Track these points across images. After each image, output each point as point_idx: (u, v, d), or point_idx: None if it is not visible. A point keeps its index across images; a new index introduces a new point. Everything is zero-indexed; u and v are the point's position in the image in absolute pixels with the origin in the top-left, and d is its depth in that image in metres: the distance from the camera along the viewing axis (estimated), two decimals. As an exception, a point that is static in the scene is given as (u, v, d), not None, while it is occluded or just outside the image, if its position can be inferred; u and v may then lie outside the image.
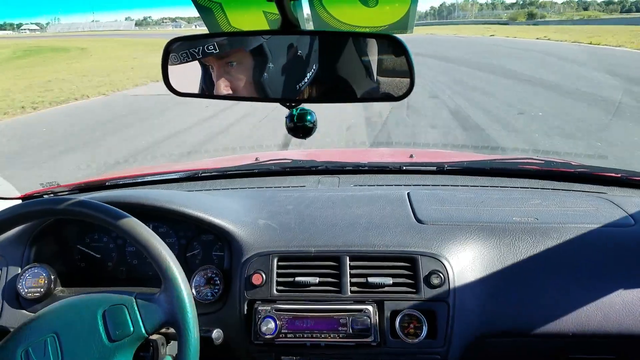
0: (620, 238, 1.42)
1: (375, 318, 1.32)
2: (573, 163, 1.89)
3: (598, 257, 1.38)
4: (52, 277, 1.43)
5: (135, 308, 1.07)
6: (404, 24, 1.11)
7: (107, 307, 1.07)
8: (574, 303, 1.32)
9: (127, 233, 1.11)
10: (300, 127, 1.05)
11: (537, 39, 31.52)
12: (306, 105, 1.05)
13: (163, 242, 1.11)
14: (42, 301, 1.41)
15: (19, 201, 1.75)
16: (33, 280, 1.43)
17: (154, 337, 1.13)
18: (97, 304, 1.08)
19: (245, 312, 1.36)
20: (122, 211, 1.14)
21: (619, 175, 1.75)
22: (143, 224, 1.12)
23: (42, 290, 1.42)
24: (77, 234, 1.59)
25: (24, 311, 1.41)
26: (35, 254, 1.49)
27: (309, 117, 1.05)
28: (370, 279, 1.35)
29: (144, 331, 1.06)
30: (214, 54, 1.02)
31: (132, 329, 1.05)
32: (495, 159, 1.86)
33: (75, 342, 1.03)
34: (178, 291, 1.07)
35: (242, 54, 1.04)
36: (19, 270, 1.45)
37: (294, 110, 1.05)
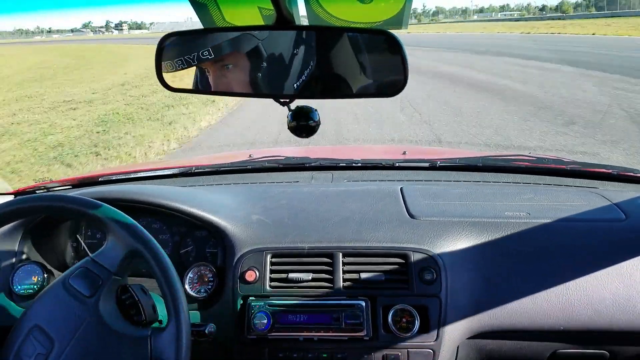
0: (611, 233, 1.43)
1: (367, 313, 1.33)
2: (565, 159, 1.91)
3: (589, 252, 1.39)
4: (45, 273, 1.43)
5: (94, 262, 1.10)
6: (398, 20, 1.11)
7: (70, 276, 1.09)
8: (565, 298, 1.33)
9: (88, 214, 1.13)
10: (304, 126, 1.05)
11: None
12: (302, 102, 1.05)
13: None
14: (34, 298, 1.41)
15: (12, 197, 1.75)
16: (26, 277, 1.42)
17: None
18: (60, 281, 1.09)
19: (239, 308, 1.37)
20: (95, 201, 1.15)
21: (610, 170, 1.76)
22: (155, 240, 1.13)
23: (35, 287, 1.41)
24: (70, 230, 1.58)
25: (18, 308, 1.41)
26: (28, 251, 1.48)
27: (312, 115, 1.05)
28: (363, 275, 1.36)
29: (111, 272, 1.08)
30: (209, 59, 1.02)
31: (100, 278, 1.07)
32: (487, 155, 1.87)
33: (57, 320, 1.04)
34: (123, 226, 1.10)
35: (238, 56, 1.03)
36: (12, 267, 1.44)
37: (296, 107, 1.05)
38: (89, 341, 1.02)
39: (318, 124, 1.06)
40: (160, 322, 1.16)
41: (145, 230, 1.11)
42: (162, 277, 1.06)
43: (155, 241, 1.10)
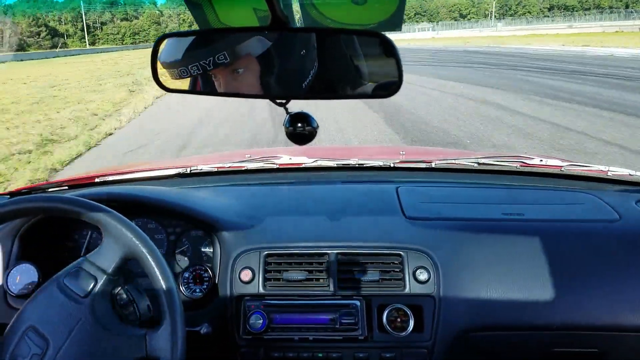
0: (605, 233, 1.44)
1: (362, 312, 1.33)
2: (560, 161, 1.91)
3: (584, 252, 1.40)
4: (40, 274, 1.43)
5: (89, 262, 1.09)
6: (393, 22, 1.12)
7: (64, 277, 1.08)
8: (558, 297, 1.34)
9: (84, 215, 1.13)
10: (300, 134, 1.04)
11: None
12: (297, 103, 1.04)
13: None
14: (29, 298, 1.40)
15: (7, 197, 1.74)
16: (21, 278, 1.42)
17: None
18: (55, 281, 1.09)
19: (234, 308, 1.37)
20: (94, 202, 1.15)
21: (605, 171, 1.77)
22: (150, 241, 1.12)
23: (30, 287, 1.41)
24: (65, 231, 1.58)
25: (13, 309, 1.41)
26: (23, 251, 1.48)
27: (310, 121, 1.04)
28: (358, 275, 1.36)
29: (106, 273, 1.08)
30: (225, 64, 1.00)
31: (94, 278, 1.07)
32: (483, 157, 1.88)
33: (52, 320, 1.03)
34: (121, 227, 1.09)
35: (249, 60, 1.02)
36: (7, 268, 1.44)
37: (294, 113, 1.04)
38: (84, 341, 1.02)
39: (316, 130, 1.05)
40: (156, 322, 1.16)
41: (141, 231, 1.11)
42: (157, 277, 1.06)
43: (151, 242, 1.09)
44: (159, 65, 1.07)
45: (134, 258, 1.09)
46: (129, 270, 1.17)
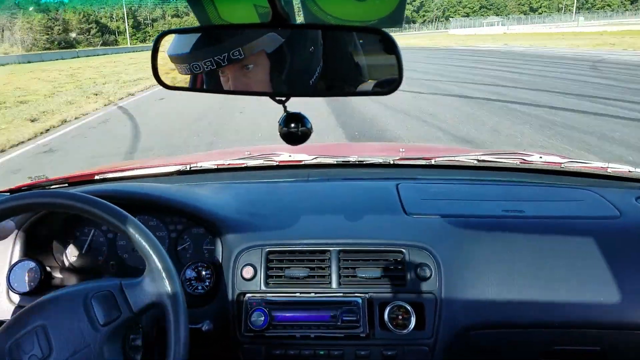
0: (606, 230, 1.44)
1: (364, 310, 1.33)
2: (559, 157, 1.91)
3: (584, 249, 1.40)
4: (42, 271, 1.43)
5: (121, 292, 1.07)
6: (394, 19, 1.12)
7: (93, 294, 1.06)
8: (559, 294, 1.34)
9: (113, 224, 1.10)
10: (294, 135, 1.03)
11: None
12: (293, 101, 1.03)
13: (146, 229, 1.10)
14: (32, 295, 1.41)
15: (7, 194, 1.74)
16: (23, 275, 1.42)
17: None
18: (83, 293, 1.07)
19: (236, 305, 1.37)
20: (107, 202, 1.12)
21: (605, 168, 1.77)
22: (129, 214, 1.11)
23: (32, 284, 1.41)
24: (67, 228, 1.58)
25: (15, 305, 1.41)
26: (25, 248, 1.48)
27: (304, 122, 1.03)
28: (359, 272, 1.36)
29: (131, 312, 1.06)
30: (239, 60, 0.99)
31: (120, 311, 1.05)
32: (483, 153, 1.88)
33: (64, 330, 1.02)
34: (162, 272, 1.07)
35: (261, 57, 1.01)
36: (9, 265, 1.44)
37: (288, 113, 1.04)
38: None
39: (310, 131, 1.05)
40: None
41: (178, 284, 1.07)
42: (174, 337, 1.03)
43: (183, 300, 1.06)
44: (159, 63, 1.07)
45: (162, 307, 1.06)
46: (152, 315, 1.16)
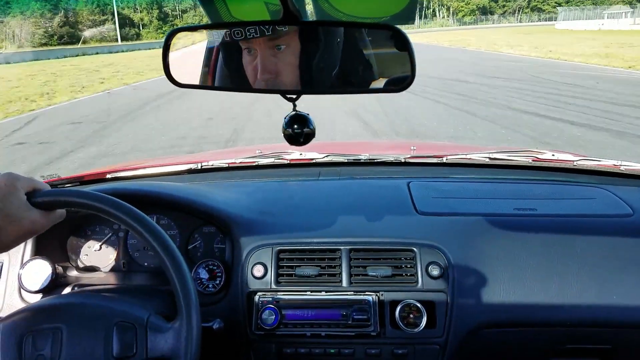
0: (618, 228, 1.43)
1: (375, 308, 1.33)
2: (572, 155, 1.90)
3: (596, 247, 1.39)
4: (54, 269, 1.44)
5: (144, 330, 1.04)
6: (406, 15, 1.11)
7: (118, 321, 1.04)
8: (571, 293, 1.33)
9: (145, 237, 1.06)
10: (298, 136, 1.03)
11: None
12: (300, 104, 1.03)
13: (184, 264, 1.06)
14: (44, 293, 1.41)
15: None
16: (35, 273, 1.43)
17: None
18: (110, 315, 1.05)
19: (246, 303, 1.37)
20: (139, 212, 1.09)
21: (618, 166, 1.75)
22: (162, 230, 1.07)
23: (44, 283, 1.42)
24: (78, 226, 1.58)
25: (27, 304, 1.41)
26: (37, 246, 1.49)
27: (308, 123, 1.03)
28: (370, 270, 1.36)
29: (145, 356, 1.04)
30: (267, 35, 0.98)
31: (134, 351, 1.03)
32: (495, 151, 1.87)
33: (78, 345, 1.01)
34: (189, 334, 1.02)
35: (294, 40, 1.00)
36: (21, 263, 1.45)
37: (293, 114, 1.03)
38: None
39: (314, 131, 1.04)
40: None
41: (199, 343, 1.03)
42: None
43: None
44: (170, 61, 1.07)
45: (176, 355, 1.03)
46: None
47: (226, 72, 1.07)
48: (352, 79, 1.05)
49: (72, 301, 1.08)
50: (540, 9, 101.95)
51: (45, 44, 60.17)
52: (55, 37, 66.24)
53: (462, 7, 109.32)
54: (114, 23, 75.70)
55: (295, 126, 1.03)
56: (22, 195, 0.99)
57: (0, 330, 1.03)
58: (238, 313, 1.37)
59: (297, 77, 1.02)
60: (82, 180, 1.85)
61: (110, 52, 48.51)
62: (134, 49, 52.52)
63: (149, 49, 49.15)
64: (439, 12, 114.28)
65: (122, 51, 50.04)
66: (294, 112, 1.04)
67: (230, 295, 1.40)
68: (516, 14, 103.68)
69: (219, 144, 7.95)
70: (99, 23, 77.89)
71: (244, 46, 1.02)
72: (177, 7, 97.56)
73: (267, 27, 0.98)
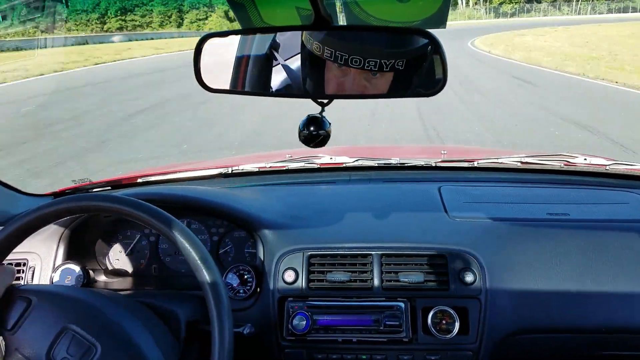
0: None
1: (407, 314, 1.32)
2: (604, 159, 1.86)
3: (630, 252, 1.36)
4: (85, 274, 1.46)
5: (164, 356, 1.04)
6: (438, 19, 1.10)
7: (152, 343, 1.04)
8: (606, 298, 1.31)
9: (162, 230, 1.07)
10: (314, 137, 1.02)
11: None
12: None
13: (216, 269, 1.06)
14: None
15: (51, 198, 1.78)
16: (66, 278, 1.45)
17: None
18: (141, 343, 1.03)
19: (277, 309, 1.37)
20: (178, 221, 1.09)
21: None
22: (193, 234, 1.08)
23: (75, 286, 1.44)
24: (108, 231, 1.61)
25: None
26: (68, 251, 1.51)
27: (323, 125, 1.02)
28: (402, 276, 1.34)
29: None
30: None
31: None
32: (526, 155, 1.84)
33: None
34: (222, 340, 1.02)
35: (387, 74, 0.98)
36: (52, 267, 1.48)
37: (308, 116, 1.02)
38: None
39: (329, 132, 1.03)
40: None
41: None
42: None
43: None
44: (201, 66, 1.07)
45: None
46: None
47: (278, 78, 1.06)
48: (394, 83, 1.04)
49: (116, 320, 1.06)
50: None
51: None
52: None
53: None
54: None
55: (312, 128, 1.03)
56: None
57: (48, 301, 1.03)
58: (269, 318, 1.38)
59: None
60: (113, 185, 1.88)
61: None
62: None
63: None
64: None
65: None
66: (310, 115, 1.04)
67: (261, 300, 1.40)
68: (573, 3, 78.70)
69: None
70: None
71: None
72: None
73: (357, 58, 0.95)
